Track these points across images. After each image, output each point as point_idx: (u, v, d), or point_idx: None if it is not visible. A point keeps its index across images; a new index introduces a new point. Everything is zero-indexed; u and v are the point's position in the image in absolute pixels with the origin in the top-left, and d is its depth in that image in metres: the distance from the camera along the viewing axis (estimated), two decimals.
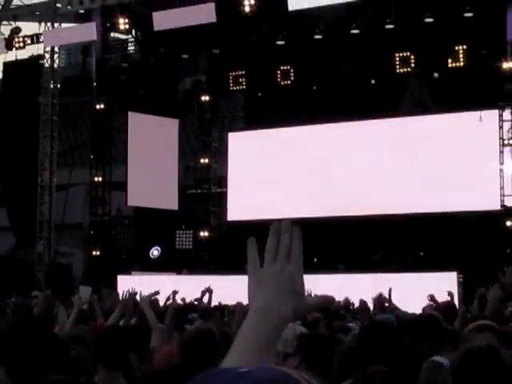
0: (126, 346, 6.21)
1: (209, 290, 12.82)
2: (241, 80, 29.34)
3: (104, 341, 6.00)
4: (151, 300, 9.82)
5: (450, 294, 11.81)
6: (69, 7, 27.56)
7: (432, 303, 11.86)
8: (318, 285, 22.10)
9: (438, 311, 10.12)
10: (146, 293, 10.14)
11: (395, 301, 12.78)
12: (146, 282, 19.01)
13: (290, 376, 1.51)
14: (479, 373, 3.72)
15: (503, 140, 25.88)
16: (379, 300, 12.17)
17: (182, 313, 9.16)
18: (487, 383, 3.75)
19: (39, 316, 8.65)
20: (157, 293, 10.48)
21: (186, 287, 15.81)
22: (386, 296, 12.33)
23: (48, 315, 9.07)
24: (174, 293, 10.50)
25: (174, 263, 27.29)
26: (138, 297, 9.93)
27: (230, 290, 14.67)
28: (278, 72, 28.18)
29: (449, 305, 11.10)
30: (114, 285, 24.62)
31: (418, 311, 12.38)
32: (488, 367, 3.72)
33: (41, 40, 27.93)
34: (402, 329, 7.37)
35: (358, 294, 17.32)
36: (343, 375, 5.34)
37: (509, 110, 25.97)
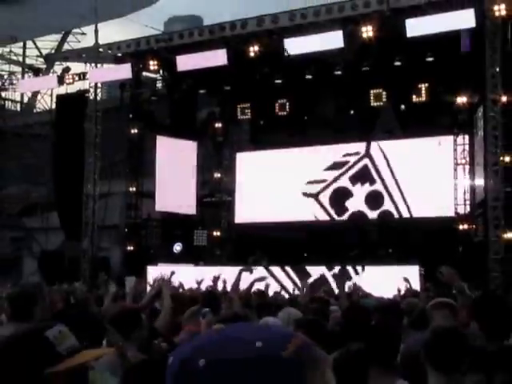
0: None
1: (216, 278, 12.84)
2: (246, 111, 29.56)
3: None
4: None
5: (406, 279, 11.96)
6: (109, 51, 27.74)
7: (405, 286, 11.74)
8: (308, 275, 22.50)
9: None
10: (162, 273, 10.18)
11: (368, 289, 12.89)
12: (170, 272, 19.21)
13: (282, 360, 1.25)
14: (443, 348, 3.87)
15: (457, 160, 26.13)
16: (354, 288, 11.71)
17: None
18: (449, 356, 3.86)
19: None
20: (173, 273, 10.37)
21: (202, 276, 15.95)
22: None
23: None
24: (172, 273, 10.24)
25: (192, 257, 27.25)
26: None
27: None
28: (277, 105, 28.43)
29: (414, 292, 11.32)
30: (144, 274, 24.89)
31: (387, 297, 12.51)
32: (451, 344, 3.87)
33: (86, 77, 28.03)
34: (381, 311, 7.08)
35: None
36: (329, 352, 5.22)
37: (461, 136, 26.21)
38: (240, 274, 9.60)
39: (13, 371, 1.99)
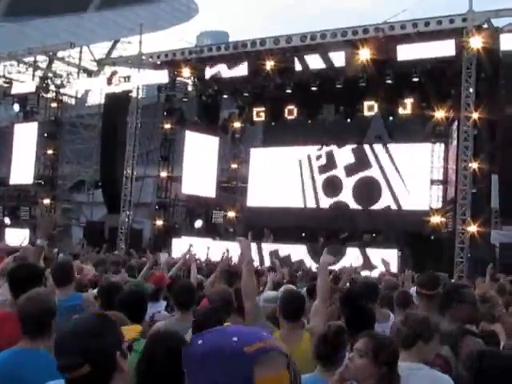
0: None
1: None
2: (261, 114, 29.49)
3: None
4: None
5: (384, 261, 11.27)
6: (150, 59, 27.71)
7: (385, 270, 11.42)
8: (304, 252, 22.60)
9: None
10: (193, 249, 10.19)
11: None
12: (193, 244, 19.30)
13: (241, 353, 1.41)
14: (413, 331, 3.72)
15: (433, 164, 26.17)
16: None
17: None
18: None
19: None
20: (191, 245, 10.30)
21: (218, 248, 16.03)
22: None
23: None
24: (190, 245, 10.12)
25: (210, 232, 27.39)
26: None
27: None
28: (286, 110, 28.33)
29: (393, 274, 11.16)
30: (169, 245, 25.03)
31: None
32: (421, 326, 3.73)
33: (130, 80, 28.01)
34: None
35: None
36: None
37: (438, 144, 26.21)
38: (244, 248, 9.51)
39: None
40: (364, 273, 13.53)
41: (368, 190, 26.90)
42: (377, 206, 26.72)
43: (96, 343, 2.01)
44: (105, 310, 4.42)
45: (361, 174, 27.28)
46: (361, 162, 27.27)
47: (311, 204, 28.06)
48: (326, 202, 27.83)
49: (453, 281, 13.24)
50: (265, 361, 1.40)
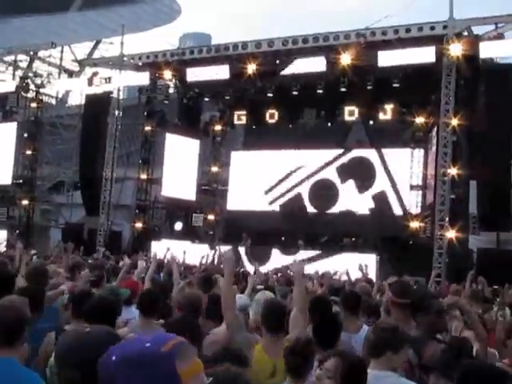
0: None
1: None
2: (242, 117, 29.44)
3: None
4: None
5: (361, 267, 11.06)
6: (131, 60, 27.59)
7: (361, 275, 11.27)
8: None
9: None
10: (173, 252, 10.11)
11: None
12: (171, 247, 19.24)
13: (160, 353, 1.54)
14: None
15: (412, 169, 26.28)
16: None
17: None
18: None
19: None
20: (168, 248, 10.25)
21: (197, 252, 16.00)
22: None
23: None
24: (168, 249, 10.08)
25: (189, 235, 27.28)
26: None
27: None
28: (267, 113, 28.23)
29: (368, 279, 11.04)
30: (149, 247, 24.83)
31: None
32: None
33: (111, 81, 27.83)
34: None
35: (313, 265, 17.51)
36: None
37: (418, 150, 26.33)
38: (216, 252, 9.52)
39: None
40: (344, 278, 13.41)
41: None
42: (352, 209, 26.69)
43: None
44: (75, 318, 4.38)
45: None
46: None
47: (291, 208, 27.99)
48: (306, 206, 27.84)
49: (430, 286, 13.20)
50: (182, 354, 1.55)
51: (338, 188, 27.19)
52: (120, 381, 1.50)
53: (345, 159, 27.26)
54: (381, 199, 26.28)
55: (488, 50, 20.65)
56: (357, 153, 27.17)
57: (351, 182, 26.78)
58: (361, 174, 26.66)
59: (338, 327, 4.66)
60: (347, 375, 3.00)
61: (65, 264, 8.96)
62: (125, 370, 1.50)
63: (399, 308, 5.05)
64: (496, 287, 12.40)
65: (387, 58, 22.08)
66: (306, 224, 26.48)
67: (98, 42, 48.52)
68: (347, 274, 10.19)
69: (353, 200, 26.44)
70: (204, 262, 13.68)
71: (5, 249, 16.72)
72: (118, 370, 1.51)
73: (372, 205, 26.44)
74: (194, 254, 16.06)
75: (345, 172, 26.95)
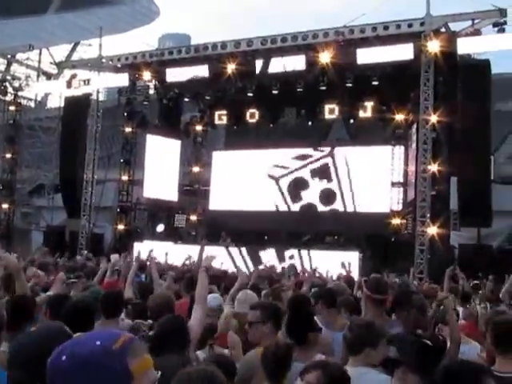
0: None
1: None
2: (223, 117, 29.40)
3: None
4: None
5: (343, 264, 11.01)
6: (110, 62, 27.43)
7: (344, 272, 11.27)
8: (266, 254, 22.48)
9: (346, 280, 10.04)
10: (154, 253, 10.04)
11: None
12: (153, 248, 19.18)
13: (111, 351, 1.53)
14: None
15: (393, 166, 26.37)
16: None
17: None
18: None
19: None
20: (151, 250, 10.15)
21: (179, 252, 15.98)
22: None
23: None
24: (150, 251, 10.02)
25: (172, 236, 27.10)
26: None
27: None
28: (248, 113, 28.18)
29: (349, 277, 10.99)
30: (131, 249, 24.69)
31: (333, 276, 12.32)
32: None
33: (90, 83, 27.68)
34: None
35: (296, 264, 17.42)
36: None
37: (398, 147, 26.42)
38: (201, 252, 9.47)
39: None
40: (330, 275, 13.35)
41: (330, 194, 27.04)
42: (338, 207, 26.79)
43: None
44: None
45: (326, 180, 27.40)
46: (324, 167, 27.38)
47: (272, 207, 28.02)
48: (288, 205, 27.86)
49: (415, 283, 13.26)
50: (133, 350, 1.56)
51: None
52: (71, 381, 1.49)
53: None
54: (362, 197, 26.40)
55: (465, 46, 20.78)
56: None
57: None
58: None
59: (310, 326, 4.54)
60: None
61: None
62: (76, 370, 1.49)
63: (375, 304, 5.05)
64: (477, 282, 12.50)
65: (366, 56, 22.12)
66: (288, 223, 26.50)
67: (76, 44, 48.23)
68: (326, 272, 10.15)
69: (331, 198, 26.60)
70: (188, 262, 13.60)
71: None
72: (68, 370, 1.50)
73: (354, 203, 26.58)
74: (177, 254, 16.05)
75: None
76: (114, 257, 8.75)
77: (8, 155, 30.29)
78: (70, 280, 7.50)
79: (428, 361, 3.25)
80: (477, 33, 20.90)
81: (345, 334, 3.87)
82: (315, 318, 4.92)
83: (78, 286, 7.37)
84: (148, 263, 9.46)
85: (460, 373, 2.65)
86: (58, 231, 27.72)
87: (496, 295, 9.01)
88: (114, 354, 1.51)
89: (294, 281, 10.23)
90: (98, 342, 1.53)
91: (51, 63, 36.63)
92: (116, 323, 5.18)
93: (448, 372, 2.73)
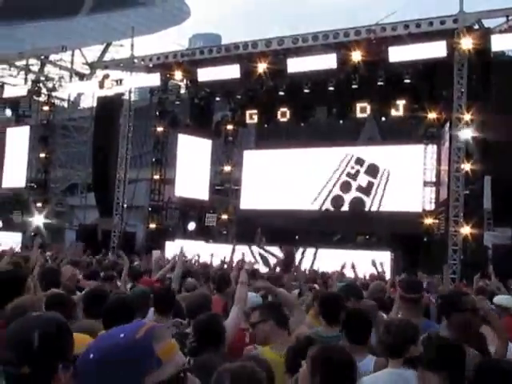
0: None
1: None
2: (254, 116, 29.27)
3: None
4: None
5: (374, 263, 10.70)
6: (142, 62, 27.65)
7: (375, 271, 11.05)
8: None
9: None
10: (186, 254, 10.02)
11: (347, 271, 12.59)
12: (185, 247, 19.16)
13: (135, 339, 1.54)
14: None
15: (426, 165, 26.10)
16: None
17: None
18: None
19: None
20: (182, 249, 10.14)
21: (211, 251, 15.93)
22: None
23: None
24: (182, 248, 10.02)
25: (203, 235, 27.23)
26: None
27: (239, 254, 14.69)
28: (279, 112, 28.06)
29: (381, 276, 10.91)
30: (163, 248, 24.83)
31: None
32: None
33: (122, 83, 27.88)
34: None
35: (326, 264, 17.32)
36: None
37: (431, 146, 26.13)
38: (233, 253, 9.47)
39: None
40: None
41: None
42: (369, 208, 26.62)
43: (41, 347, 1.98)
44: (88, 318, 4.34)
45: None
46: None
47: (304, 206, 27.89)
48: (319, 204, 27.74)
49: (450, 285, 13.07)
50: (157, 335, 1.56)
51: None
52: (101, 375, 1.50)
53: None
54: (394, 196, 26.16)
55: (500, 43, 20.45)
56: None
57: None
58: None
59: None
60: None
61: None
62: (103, 365, 1.50)
63: (408, 303, 5.01)
64: None
65: (398, 54, 21.93)
66: (319, 222, 26.37)
67: (108, 45, 48.70)
68: (353, 268, 10.00)
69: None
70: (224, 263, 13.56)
71: (20, 250, 16.79)
72: (95, 365, 1.51)
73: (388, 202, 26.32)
74: (208, 253, 16.03)
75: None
76: (156, 253, 8.78)
77: (42, 155, 30.68)
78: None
79: (451, 360, 3.16)
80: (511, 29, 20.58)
81: (382, 336, 3.79)
82: None
83: (113, 284, 7.43)
84: (177, 259, 9.46)
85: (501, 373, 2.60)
86: (91, 230, 27.96)
87: None
88: (138, 342, 1.52)
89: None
90: (122, 335, 1.55)
91: (84, 64, 36.99)
92: (168, 320, 5.15)
93: (487, 372, 2.68)
